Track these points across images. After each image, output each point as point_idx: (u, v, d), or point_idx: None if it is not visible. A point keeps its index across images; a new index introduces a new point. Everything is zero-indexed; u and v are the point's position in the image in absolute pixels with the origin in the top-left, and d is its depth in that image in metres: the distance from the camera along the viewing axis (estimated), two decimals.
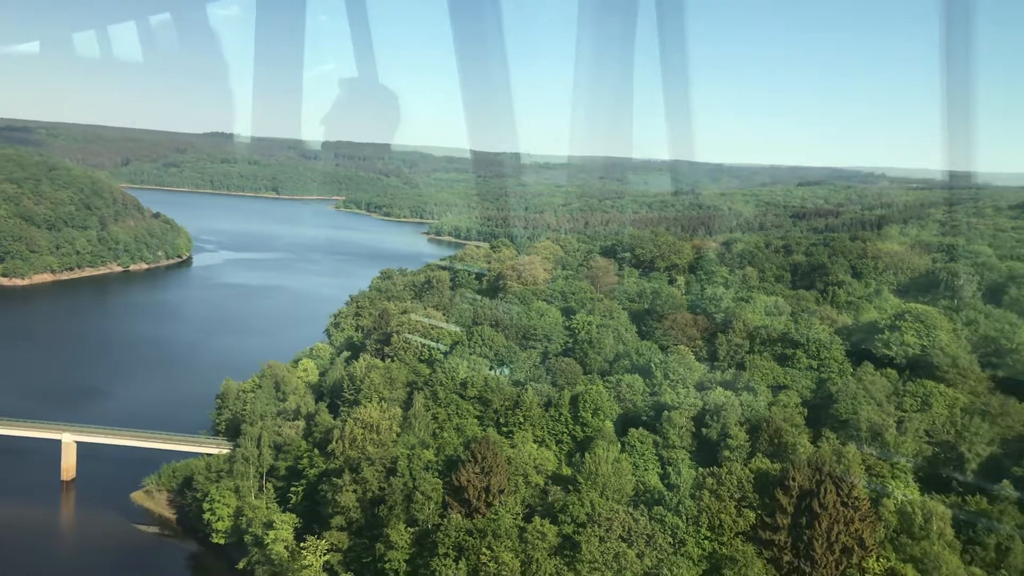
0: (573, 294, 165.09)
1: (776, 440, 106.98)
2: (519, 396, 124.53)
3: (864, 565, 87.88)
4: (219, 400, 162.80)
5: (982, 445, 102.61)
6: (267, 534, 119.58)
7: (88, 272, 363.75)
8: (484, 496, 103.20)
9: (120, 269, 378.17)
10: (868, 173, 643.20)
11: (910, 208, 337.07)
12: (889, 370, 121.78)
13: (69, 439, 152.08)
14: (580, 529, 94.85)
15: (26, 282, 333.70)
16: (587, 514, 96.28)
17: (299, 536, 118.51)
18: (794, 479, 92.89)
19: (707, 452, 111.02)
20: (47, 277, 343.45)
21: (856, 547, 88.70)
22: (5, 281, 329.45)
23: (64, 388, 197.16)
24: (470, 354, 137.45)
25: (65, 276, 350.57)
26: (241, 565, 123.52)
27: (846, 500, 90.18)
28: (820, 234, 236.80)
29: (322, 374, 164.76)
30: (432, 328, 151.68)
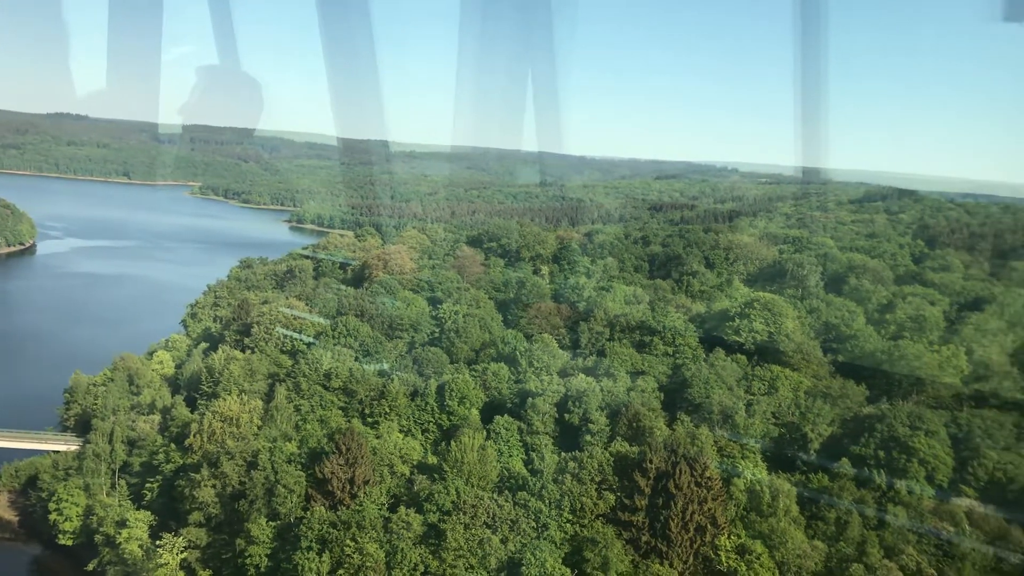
0: (440, 284, 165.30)
1: (634, 424, 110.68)
2: (385, 386, 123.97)
3: (717, 543, 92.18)
4: (67, 395, 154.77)
5: (823, 425, 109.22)
6: (120, 533, 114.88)
7: None
8: (349, 487, 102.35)
9: None
10: (721, 168, 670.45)
11: (759, 202, 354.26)
12: (739, 355, 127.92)
13: None
14: (445, 517, 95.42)
15: None
16: (452, 502, 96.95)
17: (155, 534, 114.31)
18: (651, 461, 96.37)
19: (569, 437, 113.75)
20: None
21: (709, 525, 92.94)
22: None
23: None
24: (334, 345, 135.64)
25: None
26: (91, 567, 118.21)
27: (700, 481, 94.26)
28: (676, 226, 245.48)
29: (178, 366, 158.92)
30: (295, 319, 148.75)
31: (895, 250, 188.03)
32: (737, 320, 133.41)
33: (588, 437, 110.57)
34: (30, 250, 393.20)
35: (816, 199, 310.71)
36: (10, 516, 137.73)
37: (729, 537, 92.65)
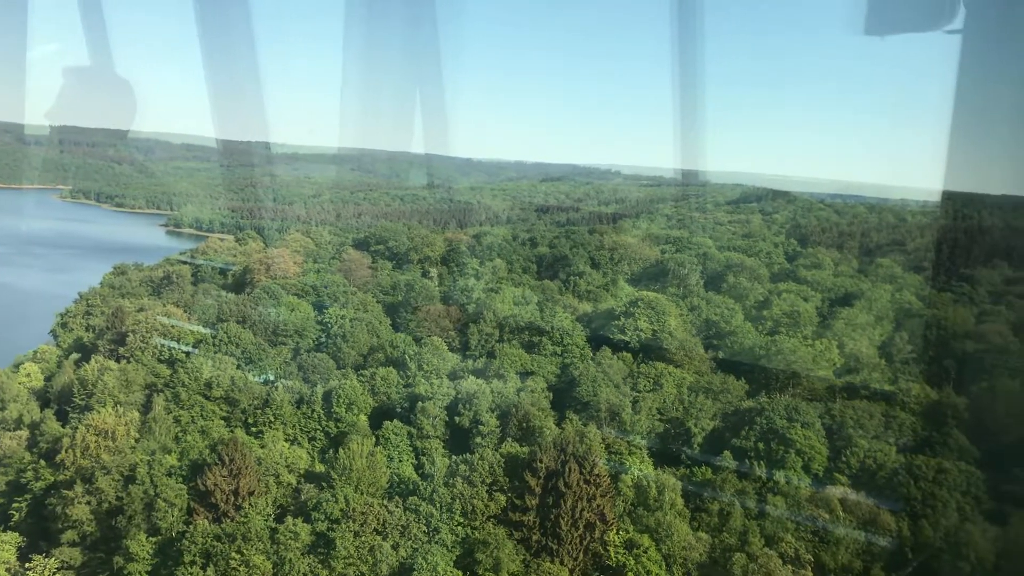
0: (325, 288, 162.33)
1: (524, 424, 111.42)
2: (269, 394, 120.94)
3: (606, 538, 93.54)
4: None
5: (706, 420, 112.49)
6: None
7: None
8: (233, 499, 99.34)
9: None
10: (605, 170, 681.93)
11: (642, 203, 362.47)
12: (625, 353, 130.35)
13: None
14: (334, 525, 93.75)
15: None
16: (341, 510, 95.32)
17: (24, 556, 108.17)
18: (541, 461, 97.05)
19: (460, 440, 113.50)
20: None
21: (598, 522, 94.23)
22: None
23: None
24: (215, 353, 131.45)
25: None
26: None
27: (589, 478, 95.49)
28: (562, 227, 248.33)
29: (48, 379, 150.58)
30: (172, 327, 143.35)
31: (770, 249, 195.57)
32: (622, 319, 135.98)
33: (479, 439, 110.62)
34: None
35: (695, 200, 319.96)
36: None
37: (618, 532, 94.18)
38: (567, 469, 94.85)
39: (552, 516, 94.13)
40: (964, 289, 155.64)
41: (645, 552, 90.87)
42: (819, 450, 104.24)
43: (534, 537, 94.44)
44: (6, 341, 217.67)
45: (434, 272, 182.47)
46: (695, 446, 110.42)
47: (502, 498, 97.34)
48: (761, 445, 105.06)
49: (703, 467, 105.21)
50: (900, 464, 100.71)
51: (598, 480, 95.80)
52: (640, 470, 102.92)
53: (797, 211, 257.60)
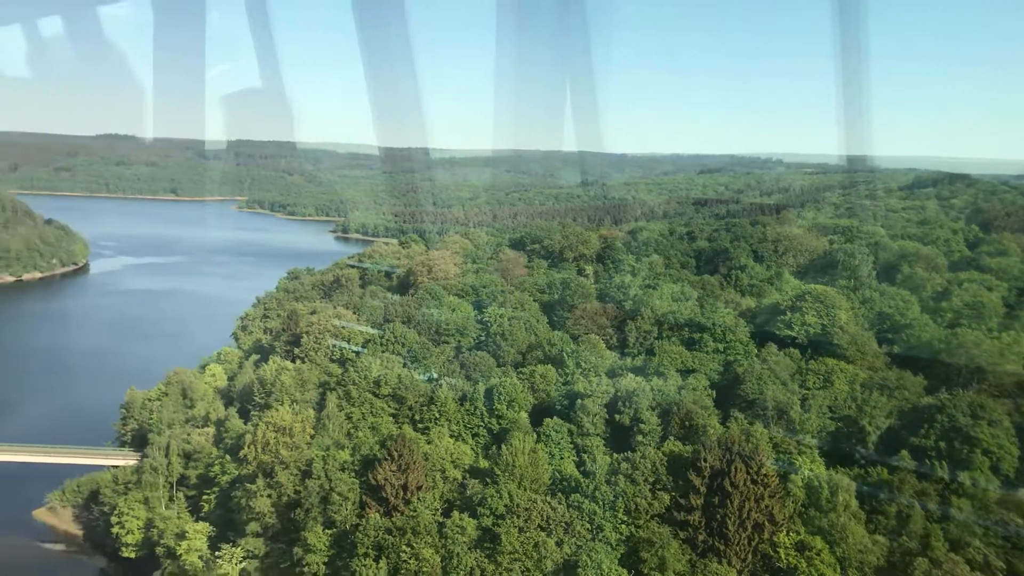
0: (484, 288, 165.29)
1: (687, 423, 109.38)
2: (433, 392, 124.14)
3: (775, 540, 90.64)
4: (124, 410, 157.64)
5: (881, 418, 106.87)
6: (179, 544, 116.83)
7: None
8: (402, 493, 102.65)
9: (12, 279, 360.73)
10: (766, 159, 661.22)
11: (806, 192, 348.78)
12: (792, 350, 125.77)
13: None
14: (499, 521, 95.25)
15: None
16: (505, 506, 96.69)
17: (213, 545, 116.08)
18: (705, 460, 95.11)
19: (621, 438, 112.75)
20: None
21: (767, 523, 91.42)
22: None
23: None
24: (382, 352, 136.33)
25: None
26: None
27: (756, 478, 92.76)
28: (722, 220, 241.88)
29: (231, 379, 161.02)
30: (343, 328, 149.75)
31: (948, 236, 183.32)
32: (789, 314, 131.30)
33: (640, 437, 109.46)
34: (84, 269, 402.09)
35: (864, 187, 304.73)
36: (75, 530, 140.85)
37: (788, 534, 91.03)
38: (733, 468, 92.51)
39: (718, 516, 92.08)
40: None
41: (818, 555, 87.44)
42: (1009, 450, 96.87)
43: (700, 537, 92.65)
44: (193, 344, 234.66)
45: (589, 270, 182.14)
46: (870, 445, 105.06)
47: (666, 497, 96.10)
48: (943, 444, 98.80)
49: (879, 467, 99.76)
50: None
51: (766, 480, 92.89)
52: (811, 470, 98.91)
53: (978, 195, 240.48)
